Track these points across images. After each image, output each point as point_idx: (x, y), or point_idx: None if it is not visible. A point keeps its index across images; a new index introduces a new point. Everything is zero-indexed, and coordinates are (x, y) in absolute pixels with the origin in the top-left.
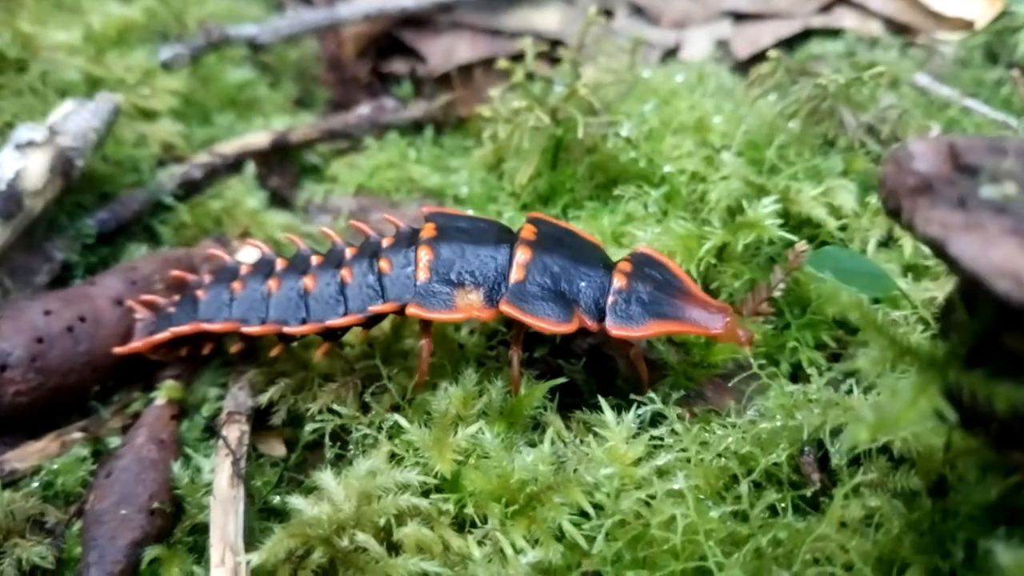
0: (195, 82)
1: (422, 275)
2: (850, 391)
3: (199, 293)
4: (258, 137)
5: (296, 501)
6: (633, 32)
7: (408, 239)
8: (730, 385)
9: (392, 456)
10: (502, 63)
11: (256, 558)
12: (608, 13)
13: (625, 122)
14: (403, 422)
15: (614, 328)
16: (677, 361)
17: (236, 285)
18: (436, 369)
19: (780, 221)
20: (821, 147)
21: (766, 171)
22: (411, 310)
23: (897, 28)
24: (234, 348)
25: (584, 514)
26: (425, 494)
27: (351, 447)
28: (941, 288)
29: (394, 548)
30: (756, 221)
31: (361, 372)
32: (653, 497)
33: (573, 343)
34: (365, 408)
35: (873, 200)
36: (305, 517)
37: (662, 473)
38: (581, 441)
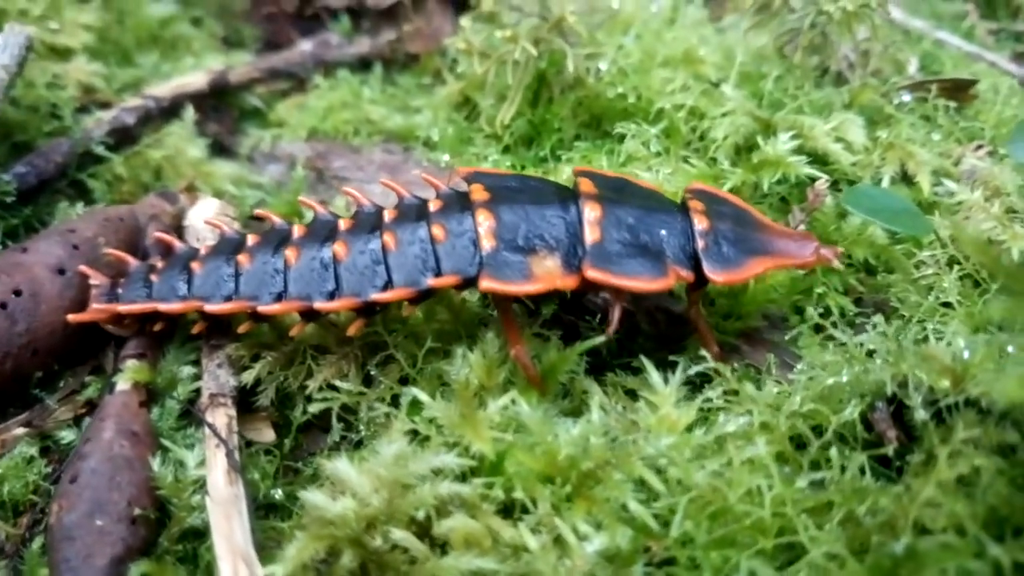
0: (109, 16)
1: (487, 243)
2: (924, 339)
3: (194, 266)
4: (195, 78)
5: (311, 496)
6: None
7: (457, 202)
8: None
9: (414, 435)
10: None
11: (280, 570)
12: None
13: (607, 54)
14: (423, 396)
15: (716, 274)
16: (707, 314)
17: (242, 258)
18: (444, 334)
19: (804, 158)
20: (816, 79)
21: (767, 105)
22: (485, 283)
23: None
24: (198, 328)
25: (648, 491)
26: (462, 478)
27: (360, 427)
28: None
29: (436, 544)
30: (778, 159)
31: (360, 342)
32: (728, 467)
33: (585, 298)
34: (368, 382)
35: (883, 134)
36: (327, 514)
37: (725, 439)
38: (624, 408)
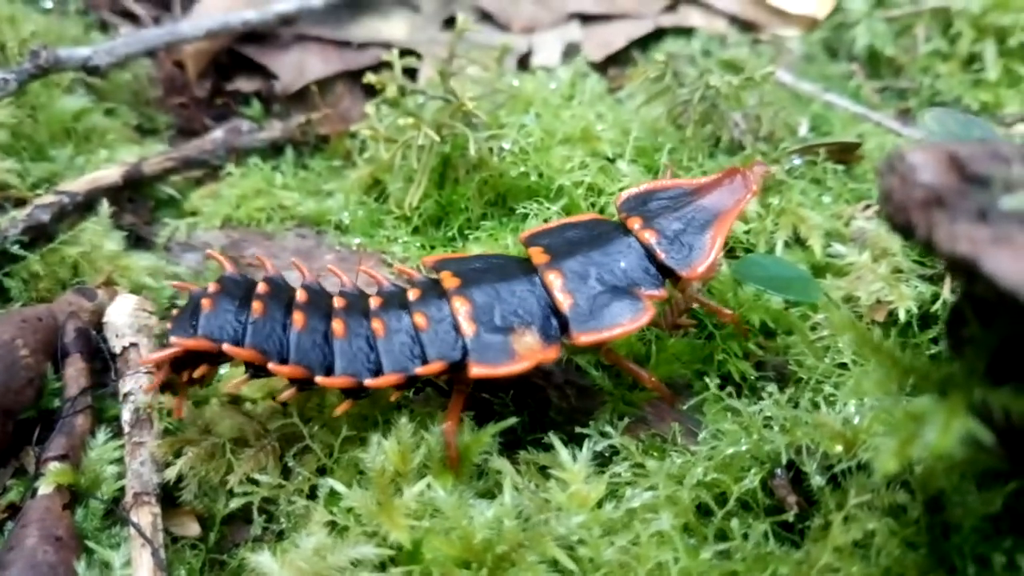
0: (21, 112)
1: (468, 327)
2: (816, 407)
3: (297, 321)
4: (108, 172)
5: None
6: (483, 39)
7: (432, 290)
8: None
9: (332, 526)
10: (370, 76)
11: None
12: (455, 20)
13: (509, 135)
14: (339, 487)
15: (695, 272)
16: (613, 386)
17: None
18: (358, 420)
19: None
20: (710, 149)
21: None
22: (476, 370)
23: (742, 25)
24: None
25: (561, 570)
26: (381, 567)
27: (281, 519)
28: (852, 286)
29: None
30: None
31: (276, 432)
32: (636, 543)
33: None
34: (287, 473)
35: (775, 201)
36: None
37: (633, 514)
38: (536, 486)
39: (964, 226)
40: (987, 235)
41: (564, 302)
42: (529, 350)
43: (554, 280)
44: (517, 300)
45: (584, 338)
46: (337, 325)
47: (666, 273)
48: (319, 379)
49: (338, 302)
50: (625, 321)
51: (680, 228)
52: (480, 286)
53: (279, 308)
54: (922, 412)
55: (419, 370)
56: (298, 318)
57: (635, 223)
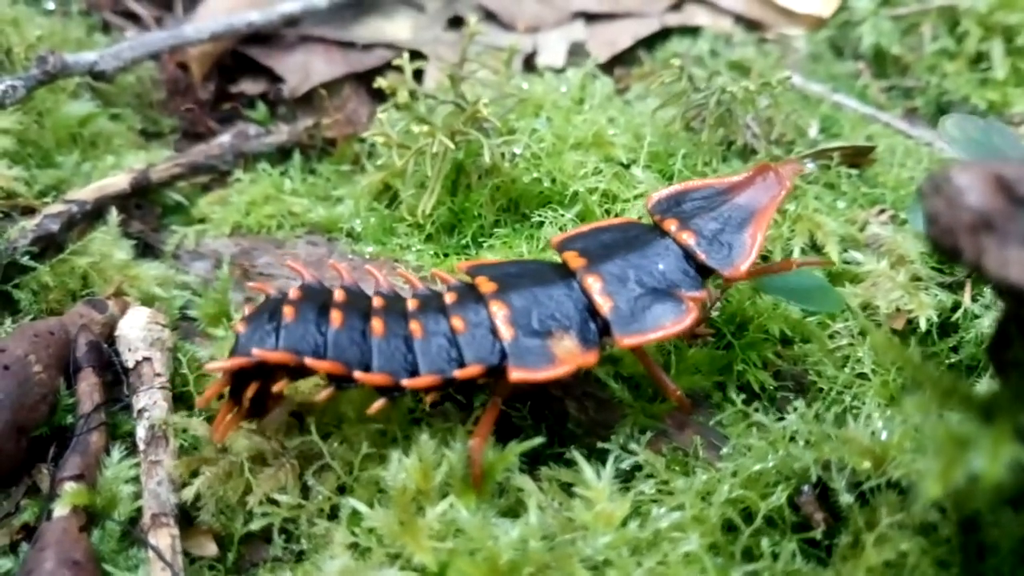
0: (27, 119)
1: (506, 332)
2: (842, 421)
3: (334, 319)
4: (116, 179)
5: None
6: (488, 39)
7: (469, 294)
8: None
9: (355, 547)
10: (380, 81)
11: None
12: (458, 20)
13: (520, 140)
14: (361, 506)
15: (732, 272)
16: (632, 398)
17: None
18: (377, 437)
19: None
20: (724, 154)
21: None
22: (515, 375)
23: (748, 24)
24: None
25: None
26: None
27: (301, 540)
28: (870, 293)
29: None
30: None
31: (295, 450)
32: (664, 562)
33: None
34: (306, 492)
35: (791, 207)
36: None
37: (660, 533)
38: (560, 504)
39: (1015, 251)
40: None
41: (604, 305)
42: (569, 354)
43: (593, 283)
44: (554, 304)
45: (628, 340)
46: (376, 324)
47: (705, 274)
48: (357, 374)
49: (376, 302)
50: (668, 323)
51: (718, 228)
52: (517, 290)
53: (355, 315)
54: (966, 437)
55: (457, 373)
56: (336, 317)
57: (671, 225)
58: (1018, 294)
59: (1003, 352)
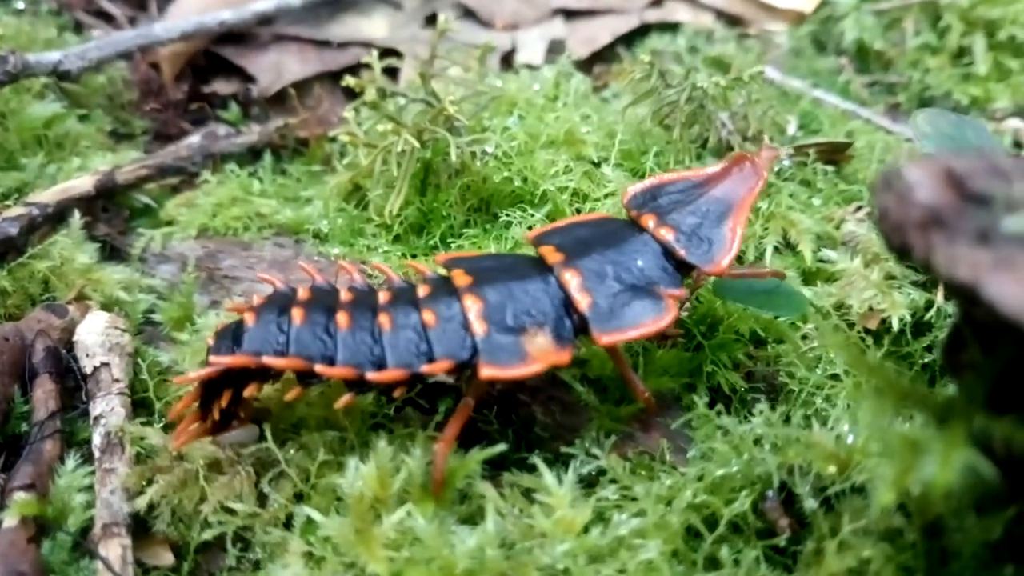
0: None
1: (479, 327)
2: (808, 424)
3: (295, 316)
4: (80, 181)
5: None
6: (466, 37)
7: (443, 287)
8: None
9: (309, 557)
10: (348, 80)
11: None
12: (436, 18)
13: (492, 138)
14: (316, 515)
15: (719, 266)
16: (599, 401)
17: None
18: (336, 443)
19: None
20: (697, 151)
21: None
22: (485, 372)
23: (729, 20)
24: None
25: None
26: None
27: (257, 549)
28: (844, 292)
29: None
30: None
31: (251, 458)
32: (623, 571)
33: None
34: (262, 500)
35: (764, 205)
36: None
37: (621, 541)
38: (520, 511)
39: (964, 249)
40: (988, 259)
41: (582, 301)
42: (541, 352)
43: (571, 279)
44: (530, 300)
45: (606, 338)
46: (342, 317)
47: (684, 270)
48: (318, 368)
49: (344, 296)
50: (648, 321)
51: (696, 222)
52: (492, 284)
53: (320, 311)
54: (920, 441)
55: (425, 368)
56: (297, 314)
57: (649, 220)
58: (967, 293)
59: (957, 354)
